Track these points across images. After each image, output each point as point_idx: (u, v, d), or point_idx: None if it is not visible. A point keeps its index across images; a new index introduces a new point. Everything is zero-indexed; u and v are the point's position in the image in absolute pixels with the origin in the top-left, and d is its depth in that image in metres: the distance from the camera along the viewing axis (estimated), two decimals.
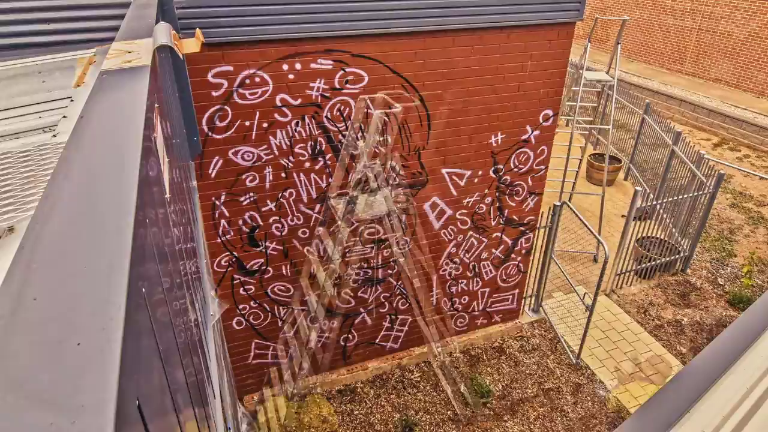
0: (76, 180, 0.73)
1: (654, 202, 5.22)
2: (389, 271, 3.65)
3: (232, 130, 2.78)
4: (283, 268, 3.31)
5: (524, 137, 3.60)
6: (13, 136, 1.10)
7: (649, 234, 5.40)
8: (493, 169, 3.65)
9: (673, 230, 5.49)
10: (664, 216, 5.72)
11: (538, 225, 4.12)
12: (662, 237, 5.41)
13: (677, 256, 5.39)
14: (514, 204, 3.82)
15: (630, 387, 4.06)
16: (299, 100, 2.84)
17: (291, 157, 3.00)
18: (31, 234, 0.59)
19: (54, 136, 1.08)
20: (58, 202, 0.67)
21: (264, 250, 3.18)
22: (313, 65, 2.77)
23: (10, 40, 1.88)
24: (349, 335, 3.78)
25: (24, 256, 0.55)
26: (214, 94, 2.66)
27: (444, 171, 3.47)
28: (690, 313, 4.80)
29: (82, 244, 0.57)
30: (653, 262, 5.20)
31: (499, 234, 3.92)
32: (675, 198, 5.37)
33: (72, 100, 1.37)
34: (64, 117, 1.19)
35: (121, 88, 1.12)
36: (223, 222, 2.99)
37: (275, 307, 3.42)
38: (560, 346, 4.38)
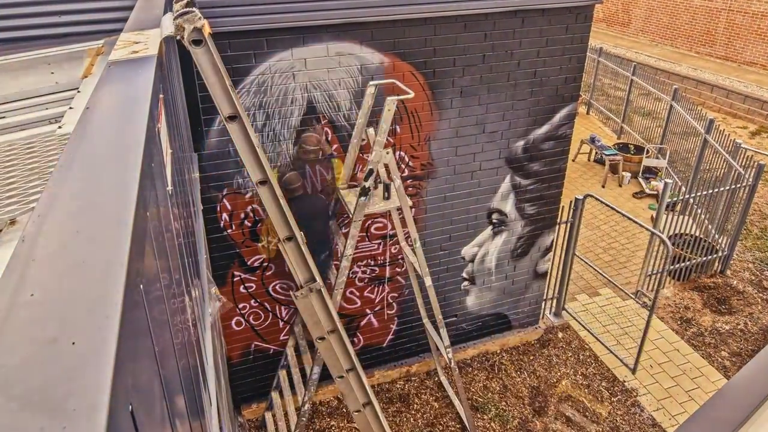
0: (79, 172, 0.72)
1: (686, 196, 4.90)
2: (398, 269, 3.56)
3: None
4: (286, 265, 3.28)
5: (542, 125, 3.49)
6: (20, 127, 1.10)
7: (682, 231, 5.08)
8: (508, 159, 3.54)
9: (710, 227, 5.18)
10: (699, 211, 5.28)
11: (558, 220, 3.97)
12: (697, 234, 5.08)
13: (715, 256, 5.03)
14: (532, 196, 3.70)
15: (666, 404, 3.74)
16: (303, 89, 2.80)
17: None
18: (32, 227, 0.59)
19: (60, 127, 1.09)
20: (60, 194, 0.66)
21: (266, 246, 3.16)
22: (320, 53, 2.72)
23: (21, 32, 1.90)
24: (355, 339, 3.74)
25: (24, 250, 0.54)
26: None
27: (455, 162, 3.38)
28: (732, 320, 4.47)
29: (82, 238, 0.56)
30: (688, 262, 4.89)
31: (516, 229, 3.78)
32: (710, 191, 4.96)
33: (79, 91, 1.37)
34: (71, 108, 1.19)
35: (128, 78, 1.11)
36: (224, 215, 2.99)
37: (276, 307, 3.39)
38: (584, 354, 4.16)
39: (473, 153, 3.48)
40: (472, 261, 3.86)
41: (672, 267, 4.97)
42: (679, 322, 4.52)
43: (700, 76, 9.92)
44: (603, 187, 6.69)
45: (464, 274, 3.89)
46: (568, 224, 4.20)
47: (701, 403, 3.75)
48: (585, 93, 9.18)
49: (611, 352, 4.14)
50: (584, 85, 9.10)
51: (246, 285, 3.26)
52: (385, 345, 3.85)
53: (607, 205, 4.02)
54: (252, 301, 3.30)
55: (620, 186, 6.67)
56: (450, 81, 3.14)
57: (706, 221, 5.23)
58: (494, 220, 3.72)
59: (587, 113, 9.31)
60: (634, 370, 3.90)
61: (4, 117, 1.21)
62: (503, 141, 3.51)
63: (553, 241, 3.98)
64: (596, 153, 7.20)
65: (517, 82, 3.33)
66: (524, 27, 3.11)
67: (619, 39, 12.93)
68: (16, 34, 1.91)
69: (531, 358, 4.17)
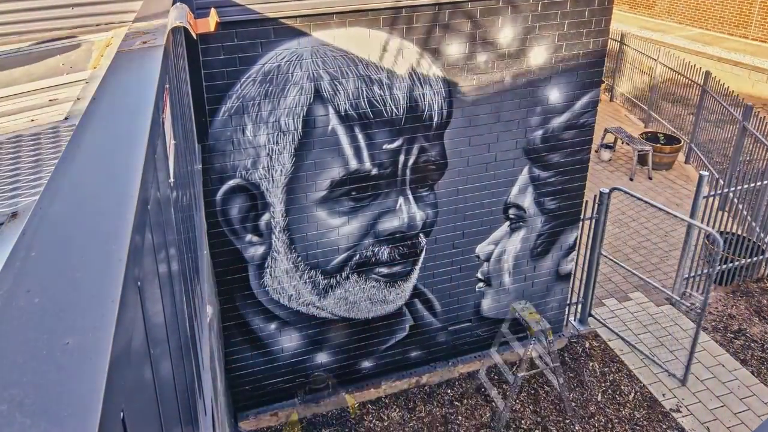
0: (81, 164, 0.72)
1: (725, 189, 4.50)
2: (406, 269, 3.51)
3: (241, 110, 2.77)
4: (289, 261, 3.23)
5: (562, 114, 3.36)
6: (28, 118, 1.11)
7: (723, 229, 4.75)
8: (526, 149, 3.42)
9: (753, 224, 4.83)
10: (740, 207, 4.97)
11: (582, 216, 3.83)
12: (740, 233, 4.72)
13: (762, 257, 4.68)
14: (553, 190, 3.63)
15: (712, 427, 3.39)
16: (310, 77, 2.78)
17: (298, 142, 2.95)
18: (33, 220, 0.58)
19: (66, 118, 1.09)
20: (62, 186, 0.66)
21: (269, 241, 3.16)
22: (326, 42, 2.69)
23: (33, 24, 1.93)
24: (359, 344, 3.66)
25: (24, 244, 0.54)
26: (225, 72, 2.65)
27: (469, 153, 3.29)
28: None
29: (82, 233, 0.55)
30: (731, 264, 4.53)
31: (536, 225, 3.70)
32: (752, 184, 4.61)
33: (87, 82, 1.38)
34: (78, 99, 1.20)
35: (134, 69, 1.11)
36: (226, 209, 3.00)
37: (277, 308, 3.37)
38: (616, 367, 3.83)
39: (488, 143, 3.39)
40: (487, 260, 3.73)
41: (712, 269, 4.58)
42: (722, 333, 4.11)
43: (735, 59, 9.39)
44: (631, 180, 6.41)
45: (479, 275, 3.77)
46: (593, 220, 4.03)
47: (753, 428, 3.39)
48: (608, 79, 8.83)
49: (656, 362, 3.74)
50: (607, 70, 8.75)
51: (246, 283, 3.24)
52: (391, 352, 3.78)
53: (637, 197, 3.78)
54: (252, 300, 3.29)
55: (650, 179, 6.37)
56: (463, 67, 3.07)
57: (749, 218, 4.91)
58: (511, 216, 3.64)
59: (611, 100, 8.99)
60: (684, 381, 3.58)
61: (12, 108, 1.23)
62: (520, 130, 3.41)
63: (576, 239, 3.87)
64: (622, 143, 6.92)
65: (535, 68, 3.22)
66: (541, 11, 3.03)
67: (643, 22, 12.40)
68: (28, 27, 1.94)
69: (555, 369, 3.89)
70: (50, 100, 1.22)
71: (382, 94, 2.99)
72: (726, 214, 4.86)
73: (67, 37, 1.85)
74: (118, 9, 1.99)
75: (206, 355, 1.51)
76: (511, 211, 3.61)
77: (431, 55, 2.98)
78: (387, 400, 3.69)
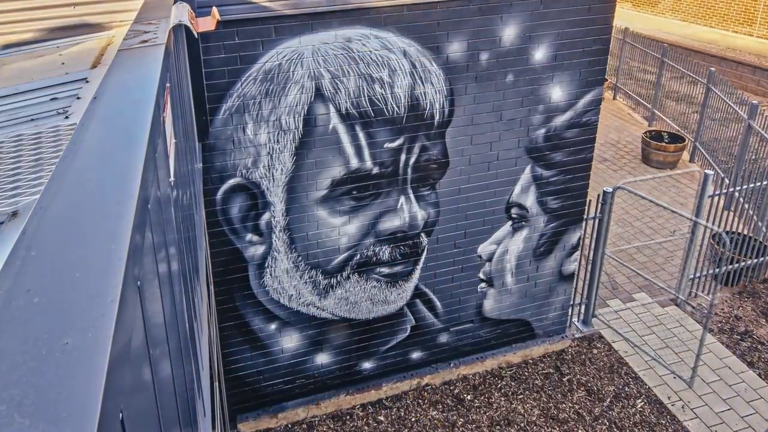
0: (82, 163, 0.72)
1: (730, 189, 4.53)
2: (408, 268, 3.51)
3: (242, 109, 2.77)
4: (289, 261, 3.23)
5: (564, 112, 3.35)
6: (28, 118, 1.12)
7: (728, 229, 4.74)
8: (528, 148, 3.41)
9: (759, 224, 4.83)
10: (746, 206, 4.95)
11: (585, 215, 3.84)
12: (746, 233, 4.70)
13: None
14: (555, 189, 3.61)
15: (720, 430, 3.39)
16: (311, 76, 2.78)
17: (299, 139, 2.96)
18: (33, 220, 0.58)
19: (66, 117, 1.09)
20: (62, 186, 0.66)
21: (269, 241, 3.16)
22: (327, 40, 2.69)
23: (34, 23, 1.94)
24: (360, 345, 3.66)
25: (24, 243, 0.54)
26: (225, 71, 2.65)
27: (470, 152, 3.28)
28: None
29: (82, 232, 0.55)
30: (737, 265, 4.51)
31: (539, 225, 3.71)
32: (758, 184, 4.61)
33: (87, 81, 1.38)
34: (78, 98, 1.20)
35: (135, 68, 1.12)
36: (226, 208, 3.00)
37: (278, 308, 3.37)
38: (621, 370, 3.79)
39: (490, 142, 3.39)
40: (489, 260, 3.72)
41: (717, 270, 4.56)
42: (729, 334, 4.07)
43: (740, 57, 9.35)
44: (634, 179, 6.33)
45: (481, 275, 3.75)
46: (596, 220, 4.03)
47: None
48: (611, 77, 8.78)
49: (662, 363, 3.74)
50: (610, 68, 8.70)
51: (247, 283, 3.24)
52: (393, 353, 3.78)
53: (641, 196, 3.76)
54: (252, 300, 3.30)
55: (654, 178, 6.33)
56: (464, 66, 3.05)
57: (755, 218, 4.89)
58: (514, 215, 3.65)
59: (614, 98, 8.94)
60: (690, 384, 3.58)
61: (12, 107, 1.23)
62: (522, 129, 3.40)
63: (579, 238, 3.87)
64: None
65: (537, 66, 3.21)
66: (544, 8, 3.03)
67: (647, 19, 12.35)
68: (28, 26, 1.94)
69: (558, 372, 3.90)
70: (51, 100, 1.23)
71: (383, 92, 2.99)
72: (731, 213, 4.85)
73: (67, 36, 1.85)
74: (119, 8, 1.99)
75: (205, 355, 1.49)
76: (514, 211, 3.62)
77: (432, 52, 2.99)
78: (388, 402, 3.69)
